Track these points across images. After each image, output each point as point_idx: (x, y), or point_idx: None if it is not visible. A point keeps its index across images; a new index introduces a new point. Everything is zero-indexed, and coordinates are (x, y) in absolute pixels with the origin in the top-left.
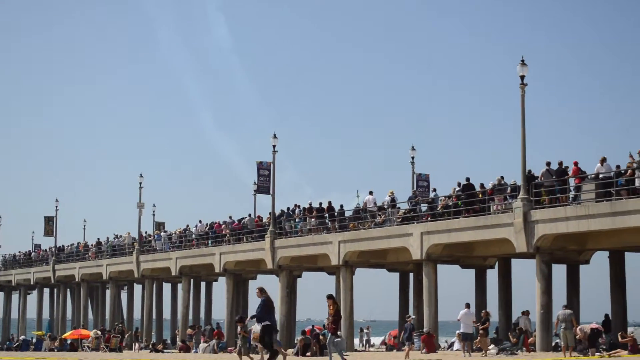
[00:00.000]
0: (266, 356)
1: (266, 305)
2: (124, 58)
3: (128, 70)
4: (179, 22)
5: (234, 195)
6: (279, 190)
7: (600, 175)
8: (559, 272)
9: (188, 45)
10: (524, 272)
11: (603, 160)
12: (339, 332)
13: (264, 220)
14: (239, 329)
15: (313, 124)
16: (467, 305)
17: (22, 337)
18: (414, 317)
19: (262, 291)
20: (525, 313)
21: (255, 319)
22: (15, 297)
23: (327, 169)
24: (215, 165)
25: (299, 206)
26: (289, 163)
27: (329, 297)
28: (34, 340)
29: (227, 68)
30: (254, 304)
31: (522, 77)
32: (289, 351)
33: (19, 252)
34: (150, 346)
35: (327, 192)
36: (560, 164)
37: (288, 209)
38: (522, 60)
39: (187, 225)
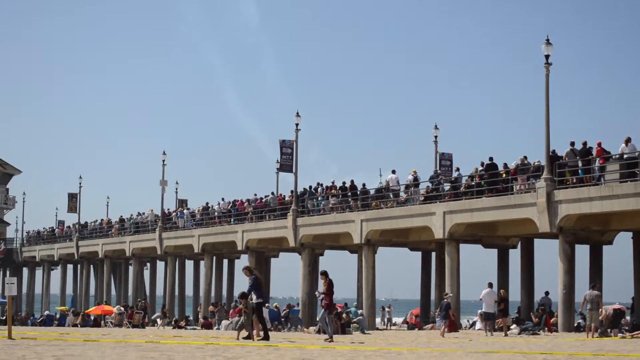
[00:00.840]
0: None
1: (257, 283)
2: (150, 35)
3: (153, 47)
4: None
5: (257, 173)
6: (305, 168)
7: (625, 156)
8: (582, 252)
9: (214, 23)
10: (547, 252)
11: (628, 141)
12: (359, 311)
13: (286, 199)
14: (240, 305)
15: (337, 103)
16: (490, 285)
17: (46, 312)
18: (451, 294)
19: (250, 270)
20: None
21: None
22: (39, 273)
23: (352, 148)
24: (238, 143)
25: (321, 185)
26: (314, 141)
27: (323, 273)
28: (58, 315)
29: (253, 46)
30: (276, 281)
31: (547, 57)
32: (311, 329)
33: (43, 228)
34: (173, 322)
35: (352, 170)
36: (585, 144)
37: (310, 187)
38: (547, 40)
39: (207, 203)
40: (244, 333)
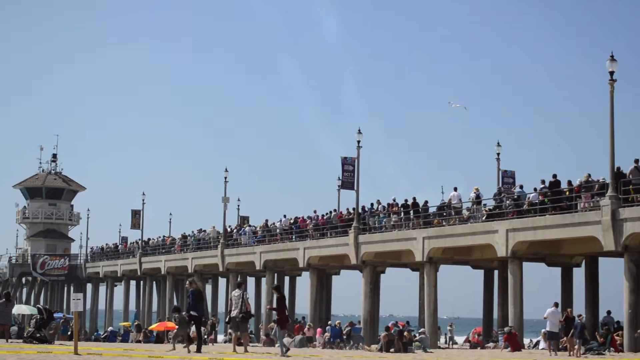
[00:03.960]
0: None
1: (195, 296)
2: (224, 50)
3: (220, 64)
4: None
5: (321, 189)
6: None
7: None
8: None
9: (292, 35)
10: (612, 271)
11: None
12: (421, 329)
13: (347, 214)
14: (174, 318)
15: (408, 119)
16: (555, 304)
17: (109, 328)
18: (584, 316)
19: (191, 283)
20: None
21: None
22: (102, 289)
23: (420, 165)
24: (306, 158)
25: (380, 203)
26: (388, 157)
27: (275, 287)
28: (121, 331)
29: (331, 61)
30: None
31: (612, 73)
32: (373, 347)
33: (107, 244)
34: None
35: (422, 187)
36: None
37: (372, 204)
38: (612, 56)
39: (266, 220)
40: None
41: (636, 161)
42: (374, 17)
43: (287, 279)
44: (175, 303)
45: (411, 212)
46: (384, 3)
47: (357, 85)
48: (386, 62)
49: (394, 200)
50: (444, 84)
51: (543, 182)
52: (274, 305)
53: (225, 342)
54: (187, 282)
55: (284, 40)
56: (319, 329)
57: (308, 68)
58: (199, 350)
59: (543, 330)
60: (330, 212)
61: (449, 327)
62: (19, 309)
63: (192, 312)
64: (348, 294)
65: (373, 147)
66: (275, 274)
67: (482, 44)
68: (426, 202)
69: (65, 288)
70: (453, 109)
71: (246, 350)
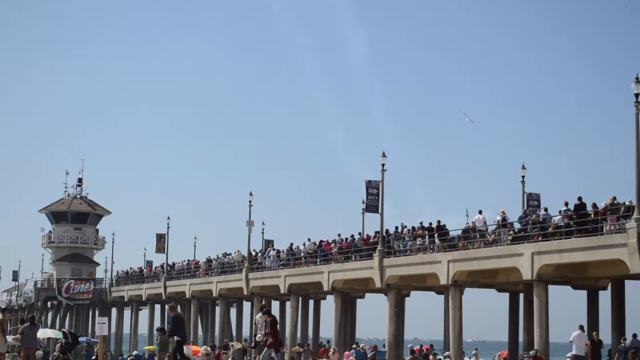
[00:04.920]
0: None
1: (176, 321)
2: (251, 71)
3: (248, 85)
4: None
5: (347, 213)
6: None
7: None
8: None
9: (319, 55)
10: (639, 294)
11: None
12: (446, 352)
13: (371, 239)
14: (157, 339)
15: (433, 140)
16: (581, 327)
17: (134, 352)
18: (631, 339)
19: (172, 308)
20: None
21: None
22: (127, 312)
23: (447, 188)
24: (333, 180)
25: (405, 226)
26: (415, 180)
27: (264, 309)
28: (146, 355)
29: (359, 83)
30: (362, 322)
31: (637, 95)
32: None
33: (131, 268)
34: None
35: (449, 209)
36: None
37: (396, 227)
38: (637, 78)
39: (291, 244)
40: None
41: None
42: (404, 37)
43: (311, 302)
44: (199, 327)
45: (436, 235)
46: (414, 20)
47: (386, 107)
48: (415, 83)
49: (421, 223)
50: (472, 106)
51: (567, 204)
52: (269, 330)
53: None
54: (168, 307)
55: (311, 60)
56: (346, 353)
57: (336, 89)
58: None
59: (569, 354)
60: (354, 235)
61: (473, 352)
62: (44, 333)
63: (178, 338)
64: (373, 318)
65: (401, 169)
66: (300, 298)
67: (511, 66)
68: (444, 225)
69: (90, 312)
70: (467, 121)
71: None
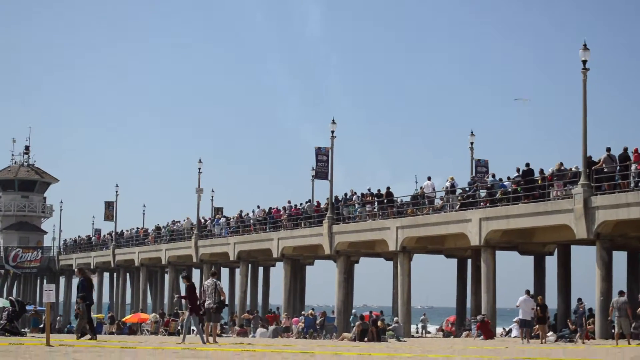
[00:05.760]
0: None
1: (86, 285)
2: (200, 39)
3: (196, 53)
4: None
5: (297, 180)
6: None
7: None
8: (620, 259)
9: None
10: (584, 259)
11: None
12: (395, 318)
13: (322, 206)
14: (78, 307)
15: (387, 109)
16: (527, 292)
17: None
18: (577, 303)
19: (80, 271)
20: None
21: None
22: (75, 281)
23: (400, 156)
24: (285, 150)
25: (355, 193)
26: (370, 148)
27: (184, 276)
28: (95, 323)
29: (311, 53)
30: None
31: (585, 62)
32: (346, 335)
33: (80, 236)
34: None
35: (401, 177)
36: (625, 150)
37: (345, 194)
38: (585, 45)
39: (240, 211)
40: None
41: (608, 150)
42: (358, 9)
43: (261, 269)
44: (149, 294)
45: (385, 201)
46: None
47: (339, 76)
48: (368, 53)
49: (369, 190)
50: (423, 74)
51: (518, 170)
52: (184, 294)
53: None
54: (77, 270)
55: (266, 32)
56: (294, 319)
57: (290, 60)
58: (94, 338)
59: (516, 318)
60: (303, 203)
61: (421, 318)
62: None
63: (88, 302)
64: (322, 284)
65: (356, 137)
66: (249, 265)
67: (460, 34)
68: (391, 193)
69: (38, 281)
70: (522, 102)
71: (215, 341)
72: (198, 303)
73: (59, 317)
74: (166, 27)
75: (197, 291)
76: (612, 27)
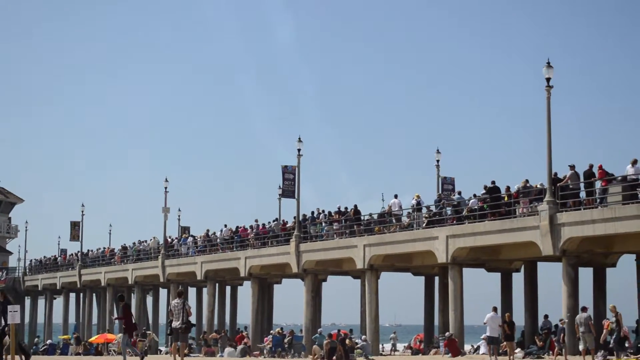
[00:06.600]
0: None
1: (4, 309)
2: (169, 54)
3: (162, 67)
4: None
5: (265, 199)
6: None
7: (628, 177)
8: (586, 275)
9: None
10: (550, 276)
11: (634, 162)
12: (363, 336)
13: (289, 225)
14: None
15: (358, 126)
16: (494, 309)
17: (48, 341)
18: (566, 320)
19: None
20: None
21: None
22: (41, 301)
23: (370, 173)
24: (251, 166)
25: (322, 211)
26: (341, 166)
27: (119, 298)
28: (61, 344)
29: (284, 67)
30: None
31: (548, 80)
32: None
33: (45, 257)
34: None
35: (370, 195)
36: (591, 167)
37: (312, 213)
38: (548, 63)
39: (207, 230)
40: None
41: (572, 167)
42: (329, 22)
43: (228, 288)
44: (115, 314)
45: (351, 220)
46: (339, 6)
47: (312, 93)
48: (342, 68)
49: (338, 208)
50: (392, 91)
51: (485, 187)
52: (120, 315)
53: (166, 353)
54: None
55: (236, 44)
56: (265, 338)
57: (261, 73)
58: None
59: (483, 335)
60: (270, 221)
61: (391, 336)
62: None
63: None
64: (290, 303)
65: (326, 154)
66: (217, 284)
67: (430, 50)
68: (359, 211)
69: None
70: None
71: None
72: (133, 322)
73: (36, 339)
74: (131, 41)
75: (140, 311)
76: (575, 43)
